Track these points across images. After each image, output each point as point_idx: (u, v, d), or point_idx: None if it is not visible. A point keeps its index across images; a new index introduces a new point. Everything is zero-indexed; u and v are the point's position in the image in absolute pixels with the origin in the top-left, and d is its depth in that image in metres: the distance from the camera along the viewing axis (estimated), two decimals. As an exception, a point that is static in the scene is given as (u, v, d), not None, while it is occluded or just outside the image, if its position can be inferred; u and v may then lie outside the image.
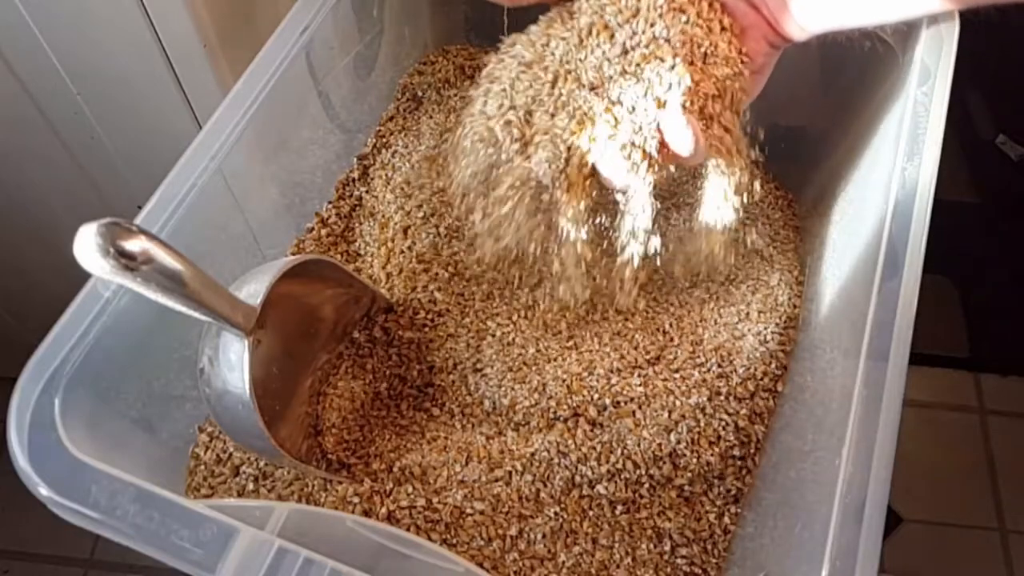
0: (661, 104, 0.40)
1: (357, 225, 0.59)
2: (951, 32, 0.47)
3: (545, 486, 0.46)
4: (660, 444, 0.47)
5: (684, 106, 0.39)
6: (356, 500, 0.44)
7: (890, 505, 0.45)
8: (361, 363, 0.52)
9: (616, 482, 0.47)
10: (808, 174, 0.61)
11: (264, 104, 0.47)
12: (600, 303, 0.55)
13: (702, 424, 0.48)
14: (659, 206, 0.44)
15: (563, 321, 0.54)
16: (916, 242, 0.41)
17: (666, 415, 0.49)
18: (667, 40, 0.41)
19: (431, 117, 0.64)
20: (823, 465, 0.38)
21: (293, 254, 0.57)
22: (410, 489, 0.45)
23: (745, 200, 0.46)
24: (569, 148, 0.42)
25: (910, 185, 0.43)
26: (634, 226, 0.45)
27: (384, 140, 0.63)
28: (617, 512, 0.47)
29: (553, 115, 0.42)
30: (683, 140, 0.39)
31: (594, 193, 0.44)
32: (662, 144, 0.40)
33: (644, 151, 0.40)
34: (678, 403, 0.49)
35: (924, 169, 0.44)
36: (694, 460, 0.48)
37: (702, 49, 0.41)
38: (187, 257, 0.33)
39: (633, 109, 0.40)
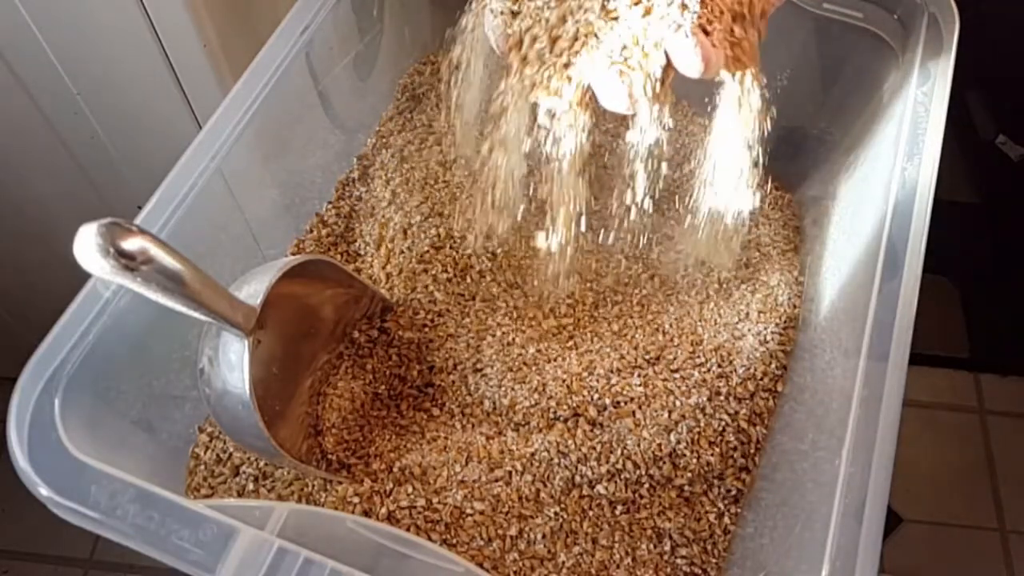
0: (669, 23, 0.35)
1: (357, 225, 0.59)
2: (951, 32, 0.47)
3: (545, 486, 0.46)
4: (660, 444, 0.47)
5: (696, 24, 0.35)
6: (356, 500, 0.44)
7: (890, 505, 0.45)
8: (361, 363, 0.52)
9: (616, 482, 0.47)
10: (808, 174, 0.61)
11: (264, 104, 0.47)
12: (594, 286, 0.54)
13: (702, 424, 0.48)
14: (665, 137, 0.40)
15: (564, 320, 0.54)
16: (916, 242, 0.41)
17: (666, 415, 0.49)
18: None
19: (431, 117, 0.64)
20: (823, 465, 0.38)
21: (293, 254, 0.57)
22: (410, 489, 0.45)
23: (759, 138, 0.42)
24: (565, 68, 0.38)
25: (910, 185, 0.43)
26: (637, 158, 0.41)
27: (384, 140, 0.63)
28: (617, 512, 0.47)
29: (552, 33, 0.39)
30: (691, 63, 0.35)
31: (589, 118, 0.40)
32: (668, 65, 0.36)
33: (645, 73, 0.36)
34: (678, 403, 0.49)
35: (924, 169, 0.44)
36: (694, 460, 0.48)
37: None
38: (187, 257, 0.33)
39: (636, 29, 0.36)
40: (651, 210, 0.46)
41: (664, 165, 0.42)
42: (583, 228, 0.46)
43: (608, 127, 0.62)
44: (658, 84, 0.36)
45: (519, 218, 0.49)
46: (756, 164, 0.44)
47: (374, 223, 0.58)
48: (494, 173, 0.46)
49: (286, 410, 0.47)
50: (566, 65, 0.38)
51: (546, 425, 0.49)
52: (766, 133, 0.43)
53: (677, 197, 0.59)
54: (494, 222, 0.49)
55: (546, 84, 0.38)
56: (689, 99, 0.65)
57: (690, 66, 0.35)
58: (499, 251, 0.56)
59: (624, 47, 0.36)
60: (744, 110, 0.40)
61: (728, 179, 0.45)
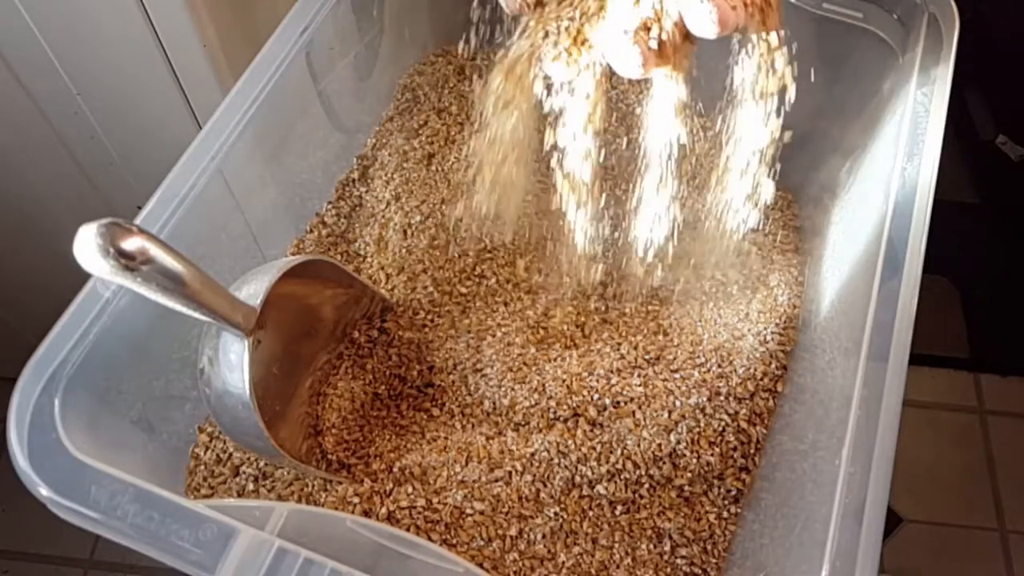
0: None
1: (357, 225, 0.59)
2: (951, 32, 0.47)
3: (545, 486, 0.46)
4: (660, 444, 0.47)
5: None
6: (356, 500, 0.44)
7: (890, 505, 0.45)
8: (361, 363, 0.52)
9: (616, 482, 0.47)
10: (808, 174, 0.61)
11: (264, 104, 0.47)
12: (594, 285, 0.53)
13: (702, 424, 0.48)
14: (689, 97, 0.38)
15: (564, 319, 0.54)
16: (916, 242, 0.41)
17: (666, 415, 0.49)
18: None
19: (431, 118, 0.64)
20: (823, 465, 0.38)
21: (293, 254, 0.57)
22: (410, 489, 0.45)
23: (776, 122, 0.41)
24: (577, 33, 0.37)
25: (910, 185, 0.43)
26: (658, 135, 0.40)
27: (384, 140, 0.63)
28: (617, 512, 0.47)
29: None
30: (706, 26, 0.34)
31: (603, 90, 0.38)
32: (682, 29, 0.35)
33: (658, 37, 0.35)
34: (678, 403, 0.49)
35: (924, 169, 0.44)
36: (694, 460, 0.48)
37: None
38: (187, 257, 0.33)
39: None
40: (652, 209, 0.46)
41: (668, 158, 0.42)
42: (586, 224, 0.46)
43: (611, 127, 0.62)
44: (674, 48, 0.35)
45: (521, 213, 0.49)
46: (766, 161, 0.44)
47: (374, 223, 0.58)
48: (500, 155, 0.45)
49: (286, 410, 0.47)
50: (578, 30, 0.37)
51: (546, 425, 0.49)
52: (779, 131, 0.43)
53: (680, 195, 0.59)
54: (497, 210, 0.49)
55: (557, 49, 0.38)
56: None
57: (705, 29, 0.35)
58: (499, 250, 0.56)
59: (637, 10, 0.35)
60: (764, 80, 0.40)
61: (735, 177, 0.45)
